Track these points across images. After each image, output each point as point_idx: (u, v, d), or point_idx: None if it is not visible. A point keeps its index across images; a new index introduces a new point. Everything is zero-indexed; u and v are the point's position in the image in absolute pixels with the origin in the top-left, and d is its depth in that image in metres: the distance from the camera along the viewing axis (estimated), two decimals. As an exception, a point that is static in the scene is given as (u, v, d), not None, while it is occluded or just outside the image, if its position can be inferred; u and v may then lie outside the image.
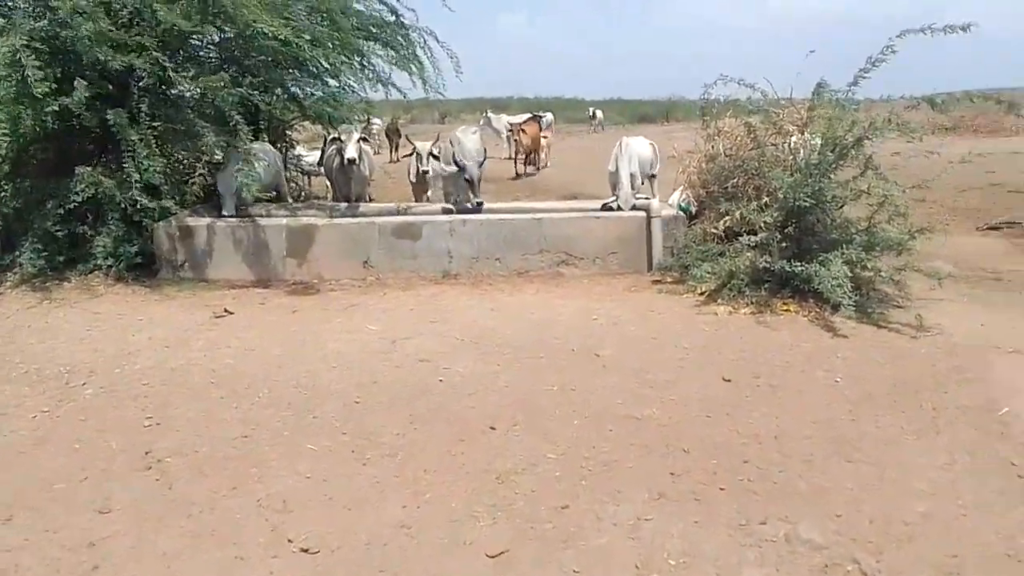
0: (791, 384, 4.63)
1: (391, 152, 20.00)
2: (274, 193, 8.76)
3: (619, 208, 7.84)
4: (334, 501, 3.34)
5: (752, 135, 6.96)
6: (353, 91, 10.53)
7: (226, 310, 6.04)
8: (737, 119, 7.35)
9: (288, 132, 11.77)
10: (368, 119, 11.09)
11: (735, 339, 5.47)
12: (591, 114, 36.03)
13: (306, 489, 3.44)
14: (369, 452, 3.78)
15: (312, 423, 4.12)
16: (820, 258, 6.09)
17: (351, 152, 8.26)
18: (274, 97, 9.98)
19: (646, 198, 8.26)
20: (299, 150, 12.18)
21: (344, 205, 8.32)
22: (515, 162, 17.29)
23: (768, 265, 6.15)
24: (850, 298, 5.68)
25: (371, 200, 13.06)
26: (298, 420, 4.15)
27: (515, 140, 17.16)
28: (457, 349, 5.24)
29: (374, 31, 10.01)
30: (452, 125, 30.12)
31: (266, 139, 10.49)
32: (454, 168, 8.10)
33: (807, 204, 5.97)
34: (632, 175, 8.35)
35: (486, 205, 7.96)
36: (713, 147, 7.39)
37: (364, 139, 8.65)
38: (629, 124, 42.46)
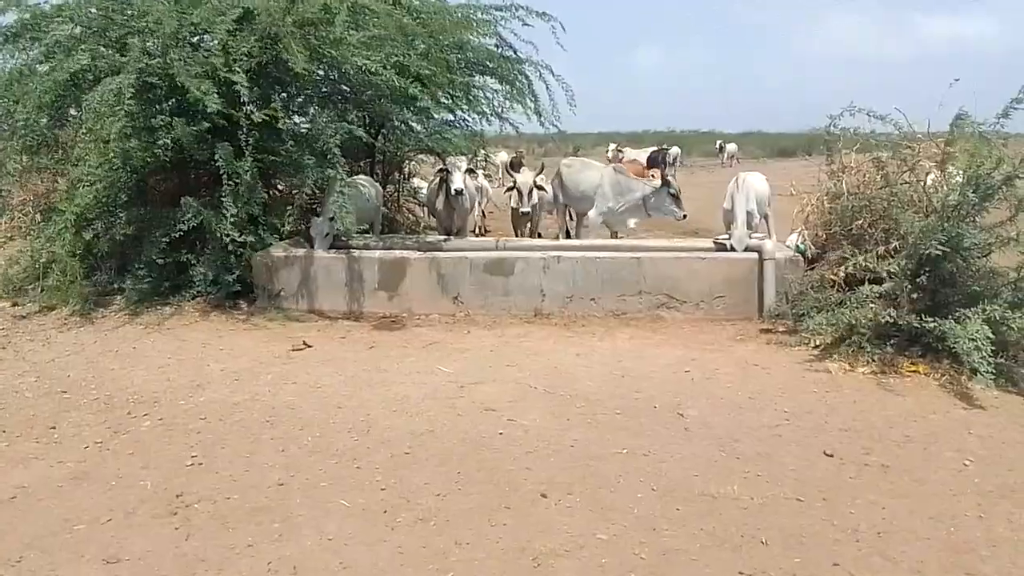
0: (909, 465, 3.88)
1: (515, 185, 19.95)
2: (367, 226, 8.68)
3: (732, 248, 7.19)
4: (347, 571, 2.98)
5: (882, 172, 6.17)
6: (467, 125, 10.51)
7: (305, 343, 5.90)
8: (865, 154, 6.55)
9: (404, 165, 11.85)
10: (476, 152, 10.94)
11: (848, 404, 4.73)
12: (719, 147, 34.73)
13: (323, 554, 3.10)
14: (402, 514, 3.40)
15: (354, 475, 3.80)
16: (957, 314, 5.24)
17: (458, 183, 8.06)
18: (386, 131, 10.06)
19: (761, 237, 7.56)
20: (416, 182, 12.22)
21: (443, 238, 8.10)
22: None
23: (894, 319, 5.34)
24: (989, 363, 4.80)
25: (486, 232, 12.98)
26: (340, 470, 3.84)
27: None
28: (528, 399, 4.81)
29: (489, 65, 9.88)
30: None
31: (377, 173, 10.62)
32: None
33: (940, 252, 5.14)
34: (749, 213, 7.71)
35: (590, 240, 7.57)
36: (837, 184, 6.61)
37: (471, 171, 8.42)
38: (768, 159, 40.75)
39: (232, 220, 6.72)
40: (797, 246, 6.96)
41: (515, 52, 10.14)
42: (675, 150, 20.31)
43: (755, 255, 6.82)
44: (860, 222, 6.24)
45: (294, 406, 4.68)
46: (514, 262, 7.00)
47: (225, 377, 5.20)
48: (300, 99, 8.02)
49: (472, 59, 9.62)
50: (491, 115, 10.07)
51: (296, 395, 4.86)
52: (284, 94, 7.86)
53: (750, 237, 7.29)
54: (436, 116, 9.14)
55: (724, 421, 4.45)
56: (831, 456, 3.98)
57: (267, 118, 6.93)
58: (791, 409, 4.63)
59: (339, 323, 6.71)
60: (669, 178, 7.88)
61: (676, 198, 7.71)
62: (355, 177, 9.01)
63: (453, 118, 10.35)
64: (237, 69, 6.61)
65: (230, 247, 6.86)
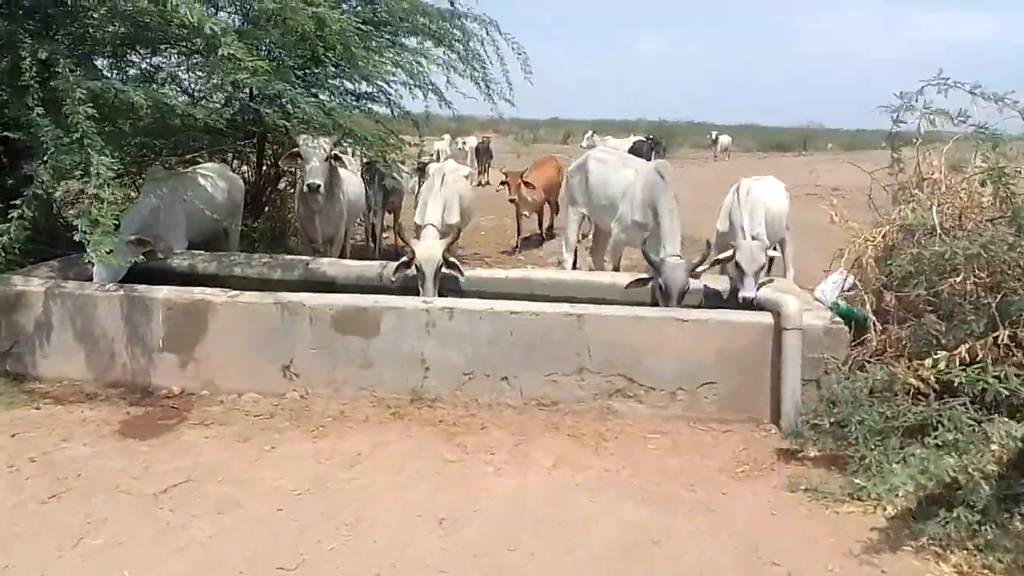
0: None
1: (480, 175, 17.03)
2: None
3: (734, 286, 4.47)
4: None
5: (1004, 192, 3.35)
6: (393, 102, 7.65)
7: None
8: (974, 164, 3.75)
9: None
10: (417, 141, 8.12)
11: None
12: (713, 139, 31.58)
13: None
14: None
15: None
16: None
17: (314, 176, 5.26)
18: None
19: (770, 280, 4.80)
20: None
21: (303, 260, 5.26)
22: (518, 226, 9.35)
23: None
24: None
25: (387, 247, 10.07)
26: None
27: (513, 197, 9.05)
28: None
29: (422, 21, 7.07)
30: (575, 148, 26.49)
31: (268, 159, 7.80)
32: None
33: None
34: (755, 239, 4.92)
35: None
36: (913, 210, 3.75)
37: (337, 157, 5.58)
38: (762, 151, 37.83)
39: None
40: (840, 305, 4.16)
41: (450, 2, 7.37)
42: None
43: (767, 318, 4.03)
44: (958, 278, 3.42)
45: None
46: (380, 315, 4.18)
47: None
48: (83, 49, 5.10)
49: (397, 11, 6.83)
50: (418, 87, 7.20)
51: None
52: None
53: (759, 277, 4.54)
54: (311, 85, 6.21)
55: None
56: None
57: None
58: None
59: (77, 410, 3.89)
60: (666, 261, 4.63)
61: (665, 293, 4.54)
62: (197, 167, 6.20)
63: (372, 90, 7.48)
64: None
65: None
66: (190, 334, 4.24)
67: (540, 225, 9.97)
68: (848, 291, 4.24)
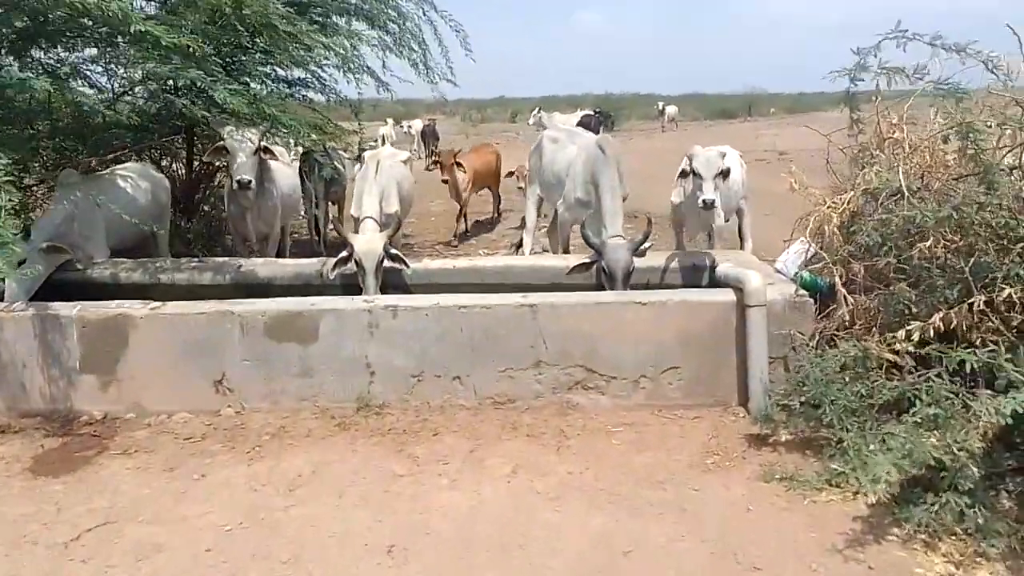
0: None
1: (427, 158, 16.55)
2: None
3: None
4: None
5: (972, 148, 3.11)
6: (328, 87, 7.14)
7: None
8: (934, 121, 3.51)
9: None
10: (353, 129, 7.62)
11: None
12: (660, 109, 31.40)
13: None
14: None
15: None
16: None
17: (242, 171, 4.85)
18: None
19: (719, 257, 4.54)
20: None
21: (235, 263, 4.85)
22: (459, 215, 8.69)
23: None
24: None
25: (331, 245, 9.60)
26: None
27: (446, 178, 8.52)
28: None
29: (357, 3, 6.60)
30: (523, 126, 26.06)
31: (197, 154, 7.26)
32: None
33: None
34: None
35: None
36: (877, 174, 3.50)
37: (267, 149, 5.15)
38: (708, 120, 37.86)
39: None
40: (803, 276, 3.92)
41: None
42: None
43: (729, 295, 3.78)
44: (928, 244, 3.18)
45: None
46: (318, 318, 3.82)
47: None
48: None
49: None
50: (352, 71, 6.72)
51: None
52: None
53: (718, 182, 4.28)
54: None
55: None
56: None
57: None
58: None
59: (-18, 449, 3.48)
60: (607, 243, 4.32)
61: (610, 276, 4.26)
62: (115, 168, 5.71)
63: (305, 76, 6.98)
64: None
65: None
66: (110, 352, 3.82)
67: (461, 215, 8.78)
68: (811, 261, 4.01)
